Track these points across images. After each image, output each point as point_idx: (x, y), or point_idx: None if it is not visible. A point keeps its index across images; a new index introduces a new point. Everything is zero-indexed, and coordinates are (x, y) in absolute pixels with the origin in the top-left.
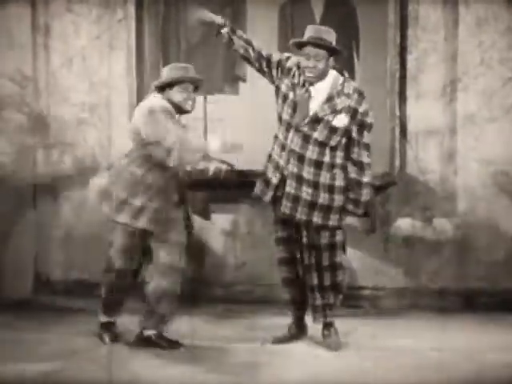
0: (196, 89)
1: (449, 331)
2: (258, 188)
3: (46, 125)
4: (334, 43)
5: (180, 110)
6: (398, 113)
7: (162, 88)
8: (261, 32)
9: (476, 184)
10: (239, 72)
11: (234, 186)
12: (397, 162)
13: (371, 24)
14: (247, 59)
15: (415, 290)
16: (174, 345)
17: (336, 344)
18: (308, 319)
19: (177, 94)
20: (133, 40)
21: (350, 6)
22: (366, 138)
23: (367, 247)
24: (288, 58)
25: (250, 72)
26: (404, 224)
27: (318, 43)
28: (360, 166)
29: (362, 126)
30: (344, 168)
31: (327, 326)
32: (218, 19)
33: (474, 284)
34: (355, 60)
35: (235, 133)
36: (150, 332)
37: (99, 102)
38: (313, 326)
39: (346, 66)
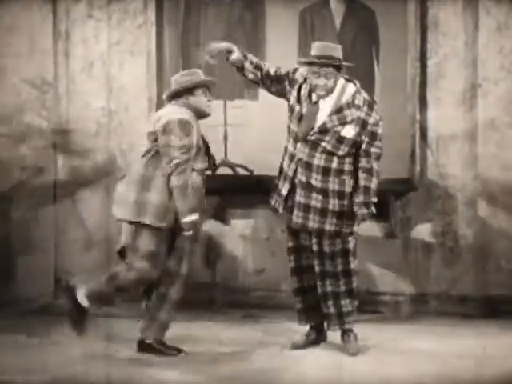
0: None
1: (469, 338)
2: (273, 199)
3: (66, 130)
4: (341, 57)
5: (200, 114)
6: (418, 118)
7: (177, 96)
8: (281, 37)
9: (497, 189)
10: None
11: (252, 192)
12: (417, 168)
13: (391, 29)
14: (257, 83)
15: (435, 296)
16: (174, 351)
17: (355, 349)
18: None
19: (199, 99)
20: (153, 45)
21: (370, 11)
22: (377, 148)
23: (387, 252)
24: (295, 70)
25: None
26: (424, 229)
27: (325, 63)
28: (369, 173)
29: (373, 137)
30: (353, 174)
31: (346, 331)
32: (225, 45)
33: (494, 291)
34: (375, 65)
35: (255, 138)
36: (150, 339)
37: (119, 107)
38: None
39: (365, 71)
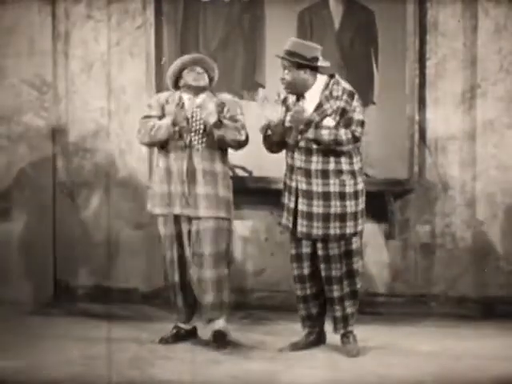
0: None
1: (467, 339)
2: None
3: (65, 130)
4: (310, 56)
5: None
6: (417, 119)
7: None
8: (279, 38)
9: (495, 190)
10: (258, 78)
11: (251, 193)
12: (416, 168)
13: (390, 30)
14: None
15: (434, 298)
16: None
17: (354, 350)
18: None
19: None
20: (152, 46)
21: (369, 12)
22: (351, 132)
23: (386, 253)
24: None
25: (269, 78)
26: (423, 230)
27: (285, 57)
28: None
29: (349, 122)
30: (352, 174)
31: (346, 333)
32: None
33: (493, 292)
34: (374, 66)
35: (254, 139)
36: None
37: (118, 108)
38: (331, 332)
39: (364, 72)
